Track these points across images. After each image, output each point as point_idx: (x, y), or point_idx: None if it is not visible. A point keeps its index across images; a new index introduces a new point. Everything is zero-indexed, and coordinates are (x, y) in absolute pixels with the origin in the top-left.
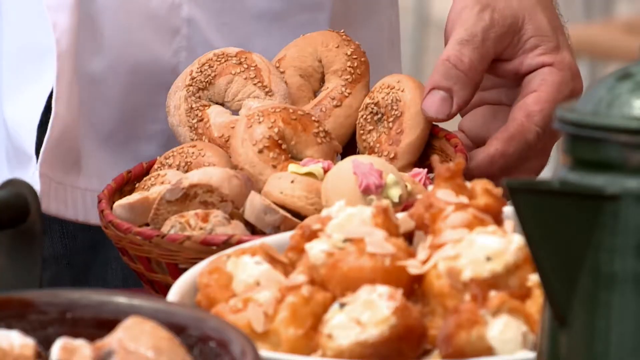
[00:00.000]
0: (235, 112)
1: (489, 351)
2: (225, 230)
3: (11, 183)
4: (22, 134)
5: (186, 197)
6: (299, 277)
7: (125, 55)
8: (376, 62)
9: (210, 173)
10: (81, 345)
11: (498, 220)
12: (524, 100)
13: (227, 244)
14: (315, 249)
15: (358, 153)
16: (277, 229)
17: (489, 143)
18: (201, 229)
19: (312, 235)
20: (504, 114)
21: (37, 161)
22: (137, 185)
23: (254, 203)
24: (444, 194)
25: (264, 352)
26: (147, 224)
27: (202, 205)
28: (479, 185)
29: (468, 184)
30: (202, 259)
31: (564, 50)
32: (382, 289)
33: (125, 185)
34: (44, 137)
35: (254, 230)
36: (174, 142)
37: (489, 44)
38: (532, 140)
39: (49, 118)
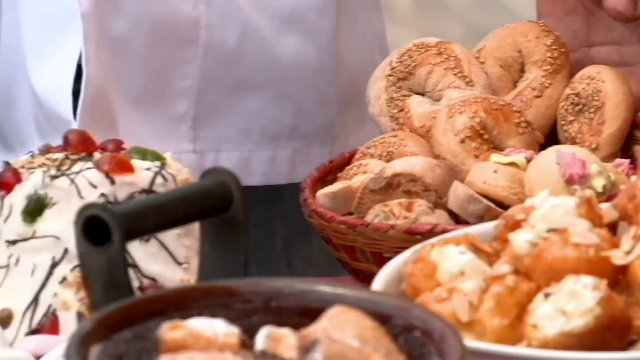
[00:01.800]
0: (436, 101)
1: None
2: (430, 219)
3: (214, 172)
4: (57, 100)
5: (389, 186)
6: (503, 266)
7: (146, 13)
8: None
9: (413, 162)
10: (286, 334)
11: None
12: None
13: (431, 233)
14: (520, 239)
15: (559, 144)
16: (480, 219)
17: None
18: (405, 217)
19: (516, 225)
20: None
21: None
22: (339, 174)
23: (457, 192)
24: None
25: (469, 341)
26: (350, 213)
27: (405, 194)
28: None
29: None
30: (406, 247)
31: None
32: (587, 280)
33: (328, 174)
34: (76, 103)
35: (457, 220)
36: (205, 98)
37: None
38: None
39: (78, 85)
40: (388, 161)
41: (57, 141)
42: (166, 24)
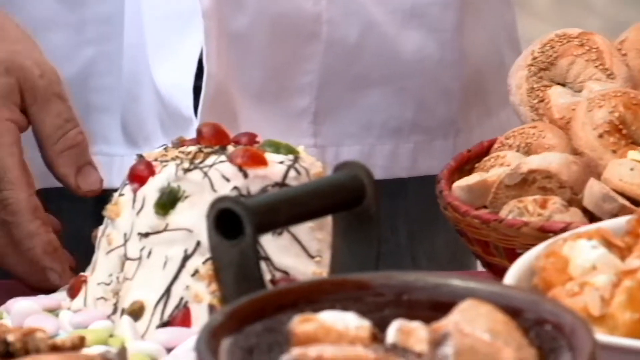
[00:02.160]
0: (577, 93)
1: None
2: (563, 217)
3: (347, 165)
4: (178, 97)
5: (525, 182)
6: (635, 261)
7: (267, 9)
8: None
9: (550, 159)
10: (417, 328)
11: None
12: None
13: (564, 231)
14: None
15: None
16: (615, 217)
17: None
18: (539, 215)
19: None
20: None
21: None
22: (476, 165)
23: (593, 190)
24: None
25: (600, 336)
26: (485, 206)
27: (540, 190)
28: None
29: None
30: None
31: None
32: None
33: (465, 164)
34: (197, 100)
35: (591, 218)
36: (326, 94)
37: None
38: None
39: (199, 83)
40: (526, 152)
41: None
42: (287, 20)
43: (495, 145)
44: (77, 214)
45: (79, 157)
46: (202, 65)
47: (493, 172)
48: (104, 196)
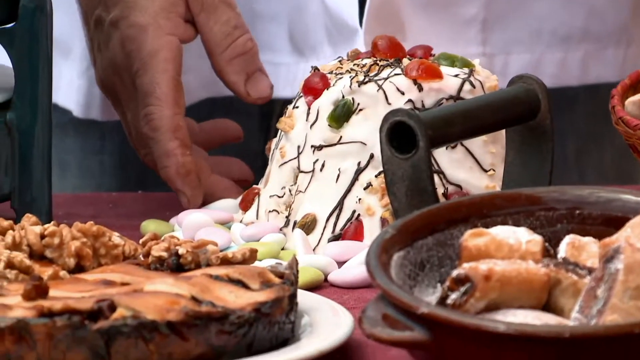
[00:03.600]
0: None
1: None
2: None
3: (522, 79)
4: (344, 6)
5: None
6: None
7: None
8: None
9: None
10: (589, 242)
11: None
12: None
13: None
14: None
15: None
16: None
17: None
18: None
19: None
20: None
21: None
22: None
23: None
24: None
25: None
26: None
27: None
28: None
29: None
30: None
31: None
32: None
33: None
34: (363, 10)
35: None
36: (494, 1)
37: None
38: None
39: None
40: None
41: (345, 48)
42: None
43: None
44: (242, 128)
45: (249, 64)
46: None
47: None
48: (269, 108)
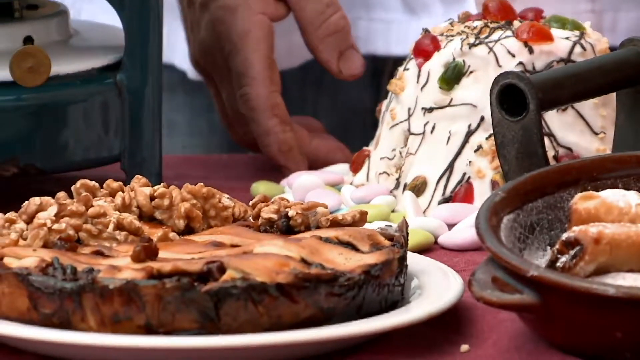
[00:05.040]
0: None
1: None
2: None
3: (632, 41)
4: None
5: None
6: None
7: None
8: None
9: None
10: None
11: None
12: None
13: None
14: None
15: None
16: None
17: None
18: None
19: None
20: None
21: None
22: None
23: None
24: None
25: None
26: None
27: None
28: None
29: None
30: None
31: None
32: None
33: None
34: None
35: None
36: None
37: None
38: None
39: None
40: None
41: (456, 8)
42: None
43: None
44: (353, 86)
45: (342, 42)
46: None
47: None
48: (381, 66)
